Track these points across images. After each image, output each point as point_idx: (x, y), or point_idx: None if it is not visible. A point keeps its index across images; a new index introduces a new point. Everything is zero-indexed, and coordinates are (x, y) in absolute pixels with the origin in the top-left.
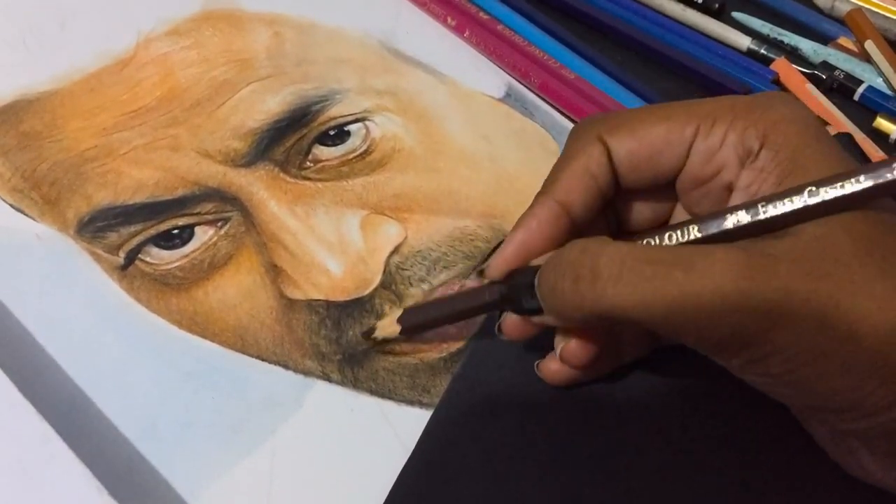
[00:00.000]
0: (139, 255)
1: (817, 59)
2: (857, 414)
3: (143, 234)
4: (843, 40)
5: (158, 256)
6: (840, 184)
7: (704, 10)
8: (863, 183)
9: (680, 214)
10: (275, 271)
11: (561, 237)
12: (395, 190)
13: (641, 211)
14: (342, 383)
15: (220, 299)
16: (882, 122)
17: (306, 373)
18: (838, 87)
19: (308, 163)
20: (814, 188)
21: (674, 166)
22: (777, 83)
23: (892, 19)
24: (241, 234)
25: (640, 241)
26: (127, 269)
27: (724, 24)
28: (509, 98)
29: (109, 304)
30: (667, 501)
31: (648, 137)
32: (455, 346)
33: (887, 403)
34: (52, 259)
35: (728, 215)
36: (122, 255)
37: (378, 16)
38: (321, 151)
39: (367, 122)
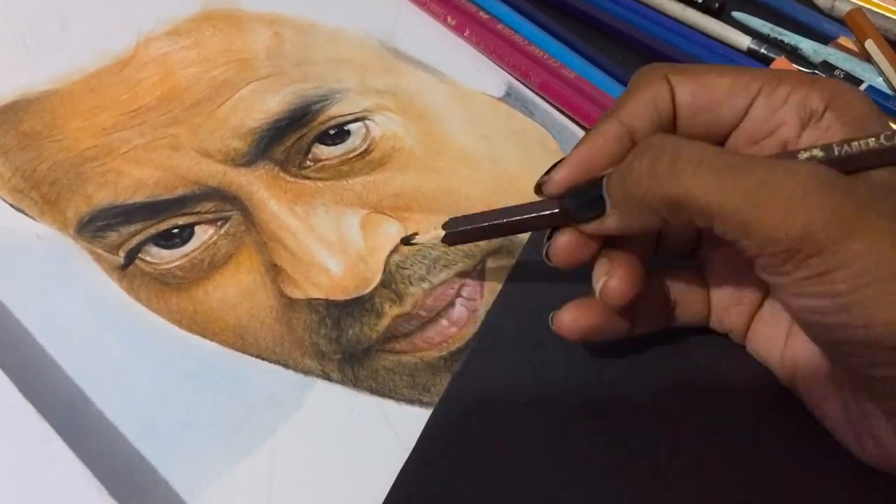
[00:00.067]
0: (139, 255)
1: (817, 59)
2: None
3: (143, 233)
4: (843, 40)
5: (158, 256)
6: None
7: (704, 9)
8: None
9: None
10: (275, 270)
11: (623, 156)
12: (395, 189)
13: None
14: (342, 382)
15: (220, 298)
16: None
17: (306, 372)
18: None
19: (308, 162)
20: (889, 133)
21: (732, 118)
22: None
23: (892, 19)
24: (241, 233)
25: None
26: (127, 268)
27: (724, 24)
28: (509, 97)
29: (109, 304)
30: (668, 500)
31: (713, 85)
32: (455, 344)
33: None
34: (52, 259)
35: (802, 152)
36: (122, 254)
37: (378, 16)
38: (321, 151)
39: (367, 122)
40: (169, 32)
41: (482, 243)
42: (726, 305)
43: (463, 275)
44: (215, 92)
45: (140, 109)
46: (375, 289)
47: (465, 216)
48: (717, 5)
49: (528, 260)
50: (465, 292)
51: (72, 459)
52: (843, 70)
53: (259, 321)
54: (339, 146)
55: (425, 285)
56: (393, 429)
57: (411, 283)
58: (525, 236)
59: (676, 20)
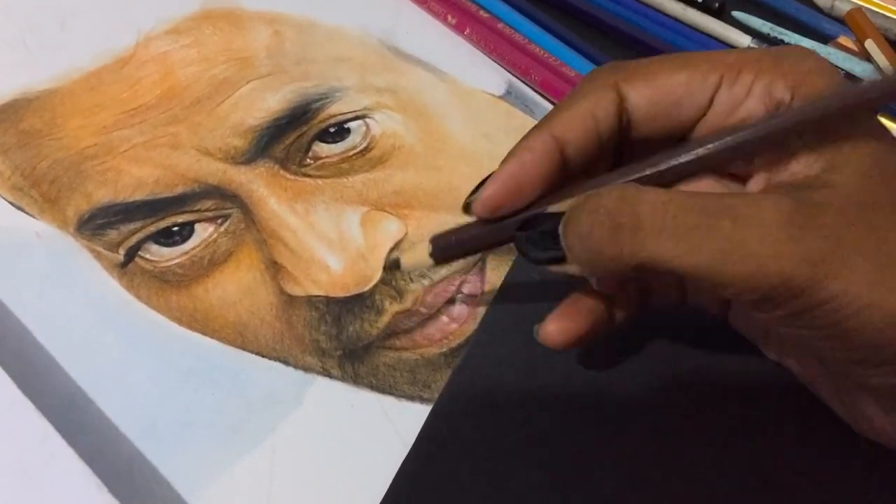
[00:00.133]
0: (139, 253)
1: None
2: (891, 368)
3: (142, 231)
4: (843, 40)
5: (158, 253)
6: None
7: (705, 9)
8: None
9: None
10: (275, 268)
11: (552, 177)
12: (395, 187)
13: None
14: (342, 379)
15: (220, 296)
16: (882, 122)
17: (306, 369)
18: None
19: (308, 160)
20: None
21: (693, 116)
22: None
23: (892, 19)
24: (241, 230)
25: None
26: (127, 266)
27: (724, 24)
28: (509, 96)
29: (109, 302)
30: (669, 495)
31: (668, 85)
32: (455, 341)
33: None
34: (52, 257)
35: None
36: (122, 252)
37: (378, 14)
38: (321, 148)
39: (367, 120)
40: (169, 31)
41: None
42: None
43: (463, 271)
44: (215, 90)
45: (140, 108)
46: (376, 286)
47: (446, 232)
48: (717, 5)
49: None
50: (465, 289)
51: (72, 458)
52: (843, 70)
53: (259, 318)
54: (339, 144)
55: (426, 282)
56: (393, 425)
57: (411, 280)
58: None
59: (676, 20)
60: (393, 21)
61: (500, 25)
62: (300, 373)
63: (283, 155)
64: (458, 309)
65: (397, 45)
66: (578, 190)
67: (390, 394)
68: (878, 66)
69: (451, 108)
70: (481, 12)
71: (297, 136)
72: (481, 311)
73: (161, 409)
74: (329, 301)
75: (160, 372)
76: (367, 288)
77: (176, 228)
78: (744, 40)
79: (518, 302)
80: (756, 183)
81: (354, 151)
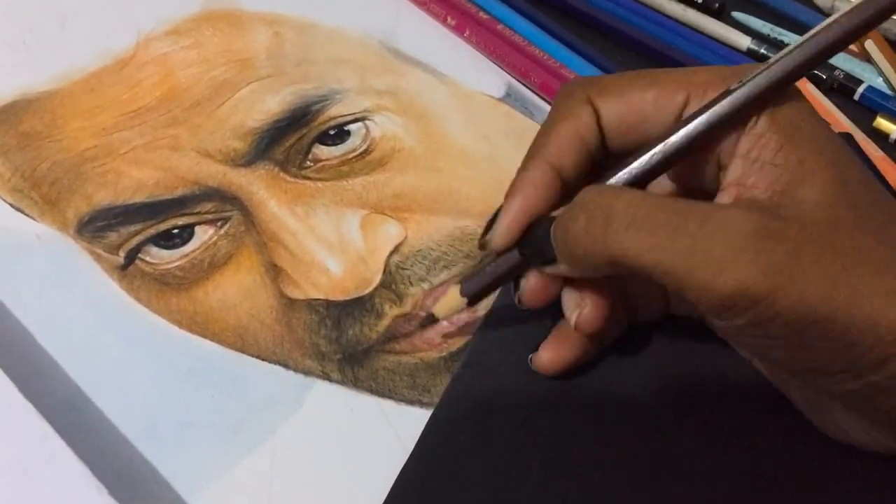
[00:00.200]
0: (139, 255)
1: None
2: (848, 375)
3: (143, 233)
4: None
5: (158, 256)
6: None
7: (704, 9)
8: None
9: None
10: (275, 271)
11: (556, 198)
12: (394, 189)
13: None
14: (342, 383)
15: (220, 299)
16: (882, 122)
17: (306, 372)
18: (838, 87)
19: (308, 162)
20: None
21: (662, 132)
22: None
23: (893, 19)
24: (241, 233)
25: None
26: (127, 268)
27: (724, 24)
28: (509, 98)
29: (109, 304)
30: (669, 497)
31: (638, 102)
32: (455, 345)
33: (878, 363)
34: (52, 259)
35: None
36: (122, 254)
37: (378, 16)
38: (321, 151)
39: (367, 122)
40: (169, 32)
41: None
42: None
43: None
44: (215, 92)
45: (140, 110)
46: (375, 289)
47: (471, 276)
48: (717, 5)
49: None
50: None
51: (72, 459)
52: (842, 70)
53: (259, 321)
54: (339, 146)
55: (425, 286)
56: (393, 429)
57: (411, 284)
58: None
59: (676, 20)
60: (393, 22)
61: (499, 27)
62: (300, 376)
63: (283, 157)
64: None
65: (397, 47)
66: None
67: (390, 398)
68: (878, 66)
69: (451, 110)
70: (481, 14)
71: (297, 138)
72: (481, 315)
73: (161, 410)
74: (329, 304)
75: (160, 373)
76: (367, 291)
77: (176, 231)
78: (743, 41)
79: (517, 306)
80: (723, 198)
81: (354, 154)
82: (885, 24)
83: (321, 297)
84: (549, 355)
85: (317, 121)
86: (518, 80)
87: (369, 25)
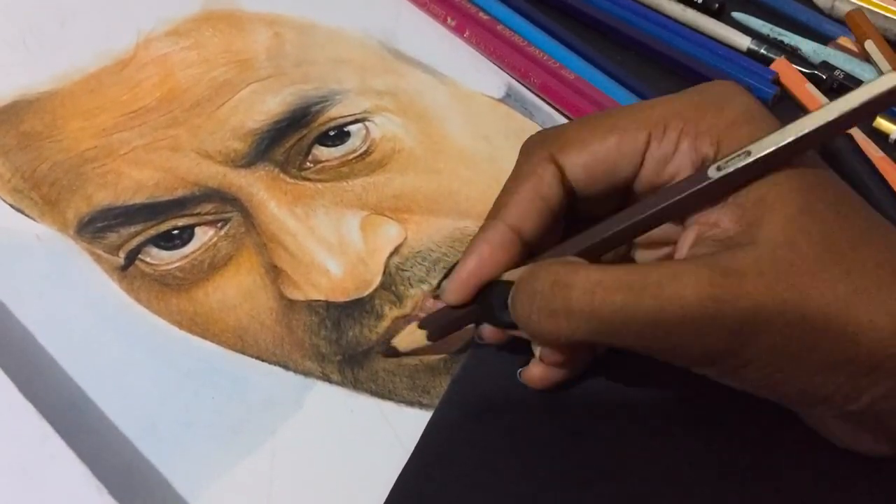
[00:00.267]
0: (139, 256)
1: (817, 59)
2: (826, 407)
3: (143, 234)
4: (843, 40)
5: (158, 257)
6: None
7: (704, 10)
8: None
9: None
10: (275, 272)
11: (514, 259)
12: (394, 191)
13: (600, 207)
14: (342, 384)
15: (220, 300)
16: (882, 122)
17: (306, 373)
18: (838, 87)
19: (308, 163)
20: (750, 150)
21: (629, 174)
22: (777, 83)
23: (892, 19)
24: (241, 234)
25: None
26: (127, 269)
27: (724, 24)
28: (509, 98)
29: (109, 305)
30: (669, 500)
31: (601, 151)
32: (454, 346)
33: (854, 395)
34: (52, 259)
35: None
36: (122, 255)
37: (378, 16)
38: (321, 152)
39: (367, 123)
40: (169, 33)
41: None
42: None
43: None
44: (215, 93)
45: (140, 110)
46: (375, 290)
47: (432, 314)
48: (717, 5)
49: None
50: None
51: (72, 459)
52: (842, 70)
53: (259, 322)
54: (339, 147)
55: (425, 287)
56: (393, 430)
57: (411, 285)
58: None
59: (676, 21)
60: (393, 23)
61: (499, 28)
62: (300, 377)
63: (283, 158)
64: None
65: (397, 47)
66: (529, 259)
67: (390, 399)
68: (877, 66)
69: (451, 110)
70: (481, 14)
71: (297, 139)
72: None
73: (161, 410)
74: (329, 306)
75: (160, 373)
76: (367, 292)
77: (176, 232)
78: (743, 41)
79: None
80: (688, 235)
81: (354, 155)
82: (885, 24)
83: (321, 298)
84: (539, 371)
85: (317, 122)
86: (518, 81)
87: (369, 26)
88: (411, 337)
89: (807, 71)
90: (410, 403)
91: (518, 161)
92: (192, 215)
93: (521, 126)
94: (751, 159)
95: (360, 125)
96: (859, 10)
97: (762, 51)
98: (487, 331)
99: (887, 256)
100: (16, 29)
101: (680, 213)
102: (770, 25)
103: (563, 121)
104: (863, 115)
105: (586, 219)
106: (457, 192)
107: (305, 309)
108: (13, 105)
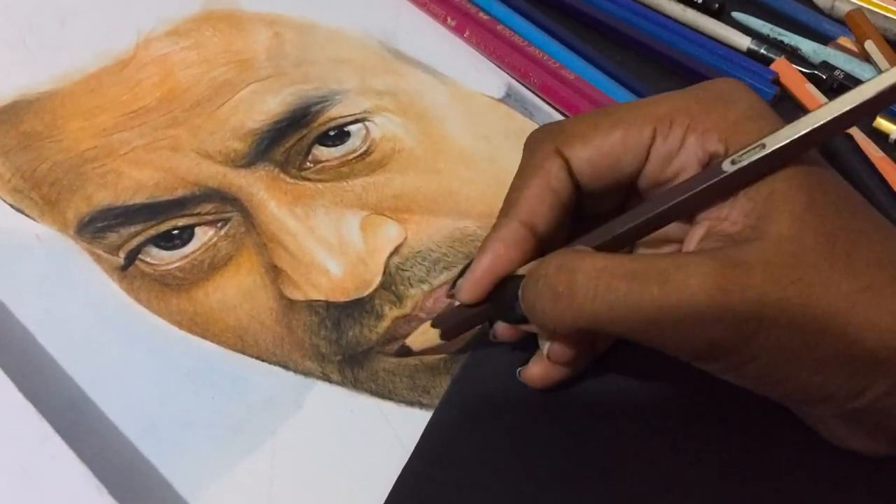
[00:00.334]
0: (139, 256)
1: (817, 59)
2: (827, 405)
3: (143, 234)
4: (843, 40)
5: (158, 257)
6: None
7: (704, 10)
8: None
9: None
10: (275, 272)
11: (528, 255)
12: (394, 191)
13: (603, 203)
14: (342, 384)
15: (220, 300)
16: (882, 122)
17: (306, 373)
18: (838, 87)
19: (308, 163)
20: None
21: (634, 169)
22: (777, 83)
23: (892, 19)
24: (241, 234)
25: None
26: (127, 269)
27: (724, 24)
28: (509, 98)
29: (109, 305)
30: (669, 499)
31: (606, 145)
32: (455, 346)
33: (855, 393)
34: (52, 259)
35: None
36: (122, 255)
37: (378, 16)
38: (321, 152)
39: (367, 123)
40: (169, 33)
41: None
42: None
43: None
44: (215, 93)
45: (140, 110)
46: (375, 290)
47: (445, 312)
48: (717, 5)
49: None
50: None
51: (72, 459)
52: (842, 70)
53: (259, 322)
54: (339, 147)
55: (425, 287)
56: (393, 430)
57: (411, 285)
58: None
59: (676, 21)
60: (393, 23)
61: (499, 28)
62: (300, 377)
63: (283, 158)
64: None
65: (397, 48)
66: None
67: (390, 399)
68: (877, 66)
69: (451, 110)
70: (481, 14)
71: (297, 139)
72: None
73: (161, 410)
74: (329, 305)
75: (160, 373)
76: (367, 292)
77: (176, 232)
78: (743, 41)
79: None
80: (697, 231)
81: (354, 155)
82: (885, 24)
83: (321, 298)
84: (539, 370)
85: (317, 122)
86: (518, 81)
87: (369, 26)
88: (424, 336)
89: (807, 71)
90: (410, 403)
91: (523, 157)
92: (192, 215)
93: (521, 126)
94: (766, 151)
95: (360, 125)
96: (859, 10)
97: (762, 51)
98: (501, 329)
99: (889, 256)
100: (16, 29)
101: (692, 208)
102: (770, 25)
103: None
104: (874, 108)
105: (590, 216)
106: (457, 192)
107: (305, 309)
108: (13, 105)
